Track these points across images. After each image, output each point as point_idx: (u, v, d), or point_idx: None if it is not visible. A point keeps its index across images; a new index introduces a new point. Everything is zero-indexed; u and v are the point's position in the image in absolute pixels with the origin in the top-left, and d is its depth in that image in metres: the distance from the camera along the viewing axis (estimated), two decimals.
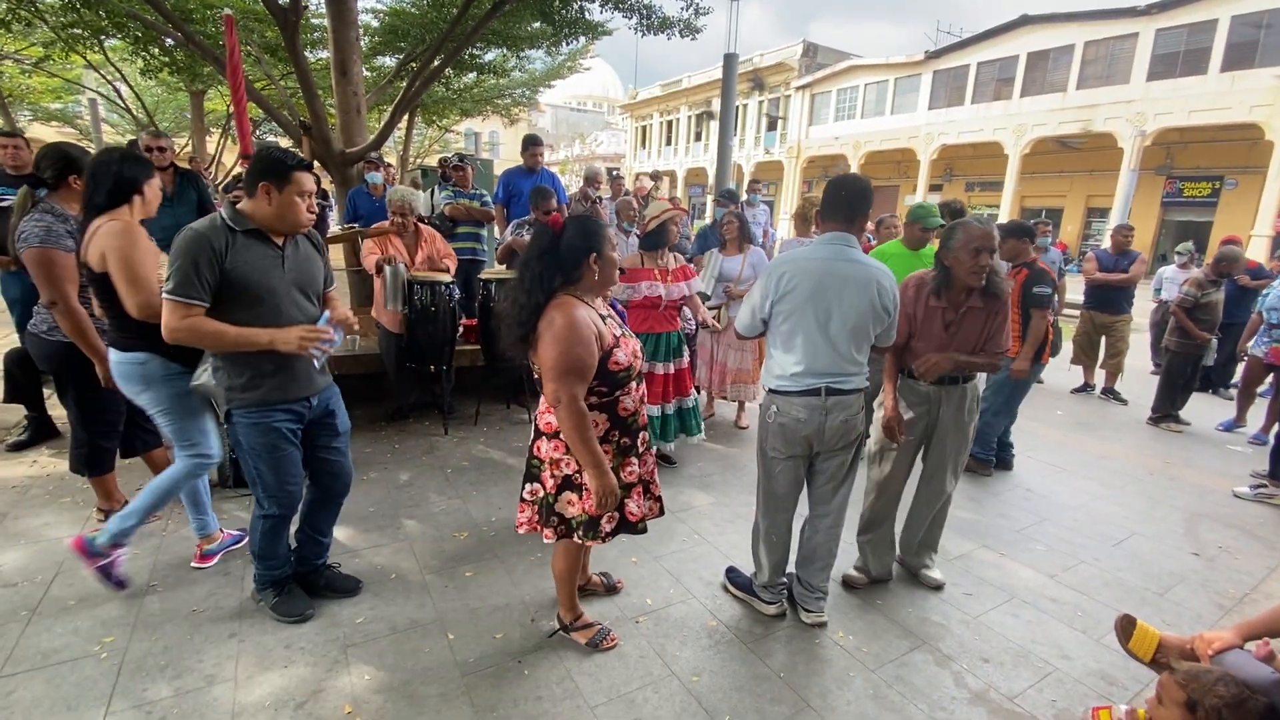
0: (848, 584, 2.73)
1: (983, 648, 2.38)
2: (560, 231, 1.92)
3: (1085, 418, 5.50)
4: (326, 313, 2.15)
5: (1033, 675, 2.24)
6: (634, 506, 2.09)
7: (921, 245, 3.79)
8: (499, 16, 6.03)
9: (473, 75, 12.04)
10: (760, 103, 30.49)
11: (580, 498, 2.00)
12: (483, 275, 4.44)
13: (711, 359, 4.51)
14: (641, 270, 3.51)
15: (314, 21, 9.72)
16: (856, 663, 2.26)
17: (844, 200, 2.28)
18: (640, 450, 2.11)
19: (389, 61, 10.92)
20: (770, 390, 2.35)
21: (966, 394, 2.61)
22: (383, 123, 5.93)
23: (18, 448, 3.64)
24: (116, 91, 13.93)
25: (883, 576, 2.77)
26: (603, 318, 1.97)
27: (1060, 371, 6.38)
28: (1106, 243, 6.33)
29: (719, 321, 4.33)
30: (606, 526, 2.03)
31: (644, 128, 39.18)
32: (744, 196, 7.76)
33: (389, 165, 7.43)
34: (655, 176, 9.45)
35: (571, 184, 12.61)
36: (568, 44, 9.33)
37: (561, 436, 1.95)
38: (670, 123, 36.68)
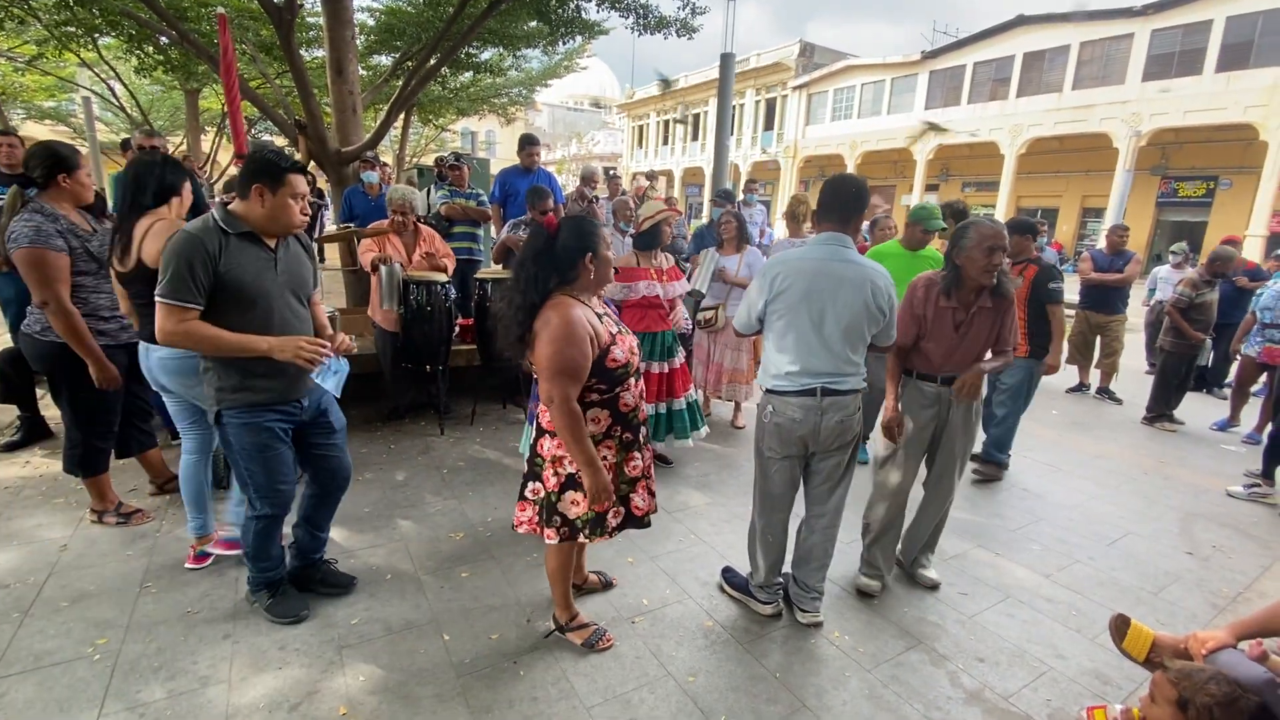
0: (863, 593, 2.67)
1: (978, 647, 2.38)
2: (555, 233, 1.93)
3: (1080, 417, 5.52)
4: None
5: (1028, 675, 2.25)
6: (639, 500, 2.13)
7: (921, 246, 3.79)
8: (495, 15, 6.01)
9: (469, 74, 12.01)
10: (757, 103, 30.51)
11: (585, 497, 2.01)
12: (479, 275, 4.43)
13: (708, 359, 4.51)
14: (638, 270, 3.52)
15: (309, 20, 9.67)
16: (852, 662, 2.26)
17: (839, 201, 2.28)
18: (641, 444, 2.13)
19: (385, 60, 10.89)
20: (767, 390, 2.35)
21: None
22: (378, 122, 5.91)
23: (10, 448, 3.62)
24: (110, 90, 13.84)
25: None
26: (599, 316, 1.98)
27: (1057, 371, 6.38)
28: (1102, 243, 6.35)
29: (715, 321, 4.34)
30: (613, 521, 2.07)
31: (641, 127, 39.18)
32: (741, 196, 7.76)
33: (385, 164, 7.42)
34: (651, 176, 9.43)
35: (568, 184, 12.60)
36: (564, 43, 9.31)
37: None
38: (667, 122, 36.70)
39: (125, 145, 6.46)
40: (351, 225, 5.20)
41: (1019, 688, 2.18)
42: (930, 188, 24.76)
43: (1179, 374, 5.29)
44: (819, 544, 2.43)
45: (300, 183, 2.02)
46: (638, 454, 2.11)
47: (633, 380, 2.05)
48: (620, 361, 1.97)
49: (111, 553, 2.68)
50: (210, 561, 2.62)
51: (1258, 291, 5.11)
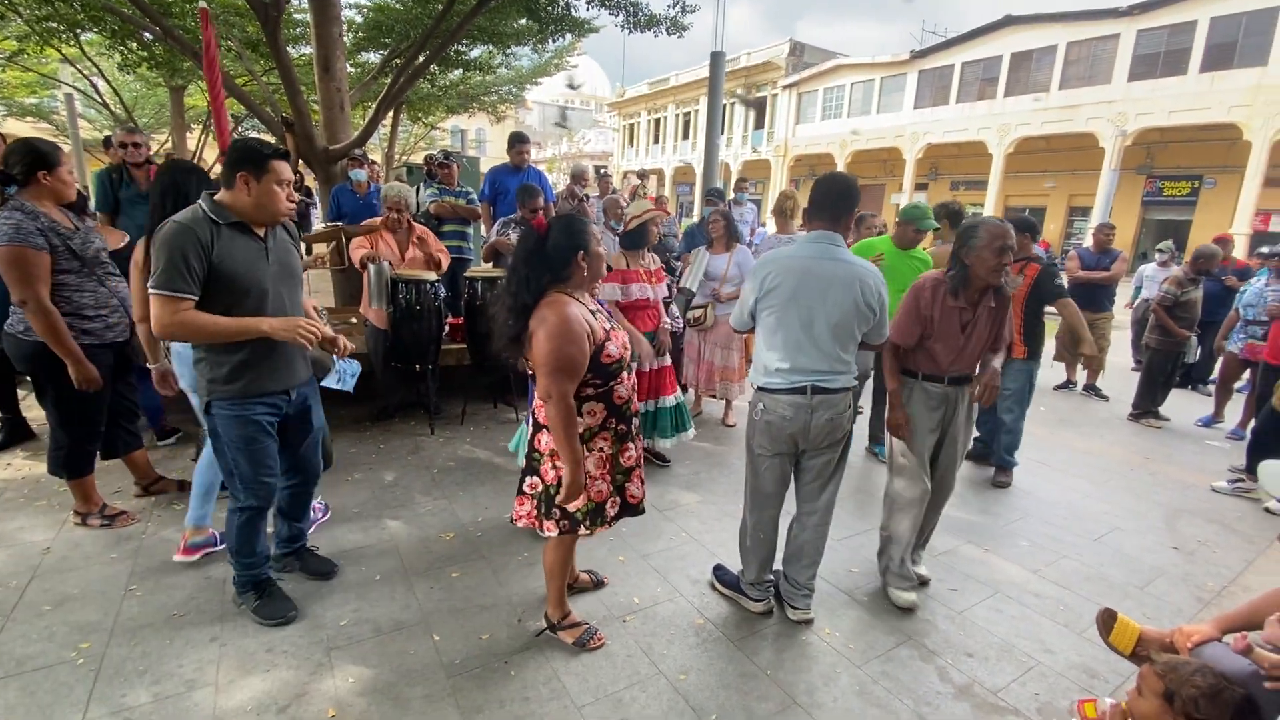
0: (905, 608, 2.56)
1: (967, 642, 2.40)
2: (545, 233, 1.94)
3: (1067, 414, 5.57)
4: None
5: (1016, 669, 2.26)
6: (634, 489, 2.17)
7: (912, 245, 3.80)
8: (484, 12, 5.99)
9: (458, 72, 11.94)
10: (748, 112, 30.38)
11: (582, 490, 2.02)
12: (469, 274, 4.41)
13: (699, 357, 4.51)
14: (630, 272, 3.52)
15: (296, 16, 9.58)
16: (843, 659, 2.27)
17: (830, 199, 2.29)
18: (634, 435, 2.16)
19: (373, 57, 10.79)
20: (758, 388, 2.36)
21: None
22: (367, 119, 5.87)
23: None
24: (94, 86, 13.63)
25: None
26: (593, 313, 2.00)
27: (1043, 368, 6.43)
28: (1088, 241, 6.42)
29: (705, 319, 4.34)
30: (611, 511, 2.10)
31: (631, 126, 39.14)
32: (731, 195, 7.77)
33: (373, 162, 7.36)
34: (642, 175, 9.43)
35: (559, 182, 12.55)
36: (554, 41, 9.28)
37: None
38: (658, 121, 36.69)
39: (107, 143, 6.38)
40: (340, 223, 5.15)
41: (1008, 682, 2.20)
42: (919, 186, 24.89)
43: (1164, 371, 5.35)
44: (810, 541, 2.44)
45: (284, 169, 2.01)
46: (631, 445, 2.14)
47: (625, 374, 2.08)
48: (615, 357, 1.99)
49: (95, 555, 2.64)
50: (200, 556, 2.60)
51: (1241, 289, 5.17)
